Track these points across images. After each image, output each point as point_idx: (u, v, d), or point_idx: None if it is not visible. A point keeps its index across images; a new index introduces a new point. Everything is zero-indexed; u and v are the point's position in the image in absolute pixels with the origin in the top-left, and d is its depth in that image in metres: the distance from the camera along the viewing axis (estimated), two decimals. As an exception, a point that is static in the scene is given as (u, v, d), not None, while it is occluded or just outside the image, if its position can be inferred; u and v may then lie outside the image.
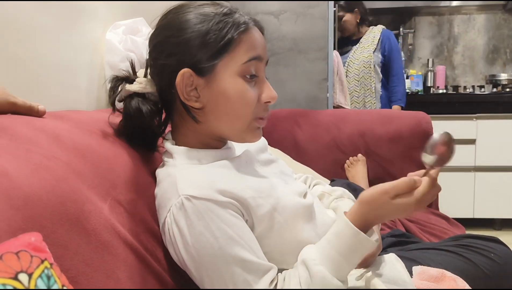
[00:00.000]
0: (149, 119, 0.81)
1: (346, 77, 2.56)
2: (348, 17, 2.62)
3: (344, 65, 2.56)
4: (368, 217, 0.71)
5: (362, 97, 2.56)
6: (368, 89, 2.55)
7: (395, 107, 2.59)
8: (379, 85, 2.59)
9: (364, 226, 0.70)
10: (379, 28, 2.63)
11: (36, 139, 0.65)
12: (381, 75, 2.59)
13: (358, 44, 2.62)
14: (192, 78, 0.74)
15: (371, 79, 2.54)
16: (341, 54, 2.61)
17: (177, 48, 0.74)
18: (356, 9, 2.62)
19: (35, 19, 0.89)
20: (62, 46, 0.99)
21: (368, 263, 0.79)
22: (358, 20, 2.64)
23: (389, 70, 2.61)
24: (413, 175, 0.70)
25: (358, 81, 2.55)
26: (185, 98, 0.75)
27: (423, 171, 0.70)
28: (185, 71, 0.73)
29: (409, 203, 0.69)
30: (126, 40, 1.14)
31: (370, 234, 0.71)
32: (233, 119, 0.77)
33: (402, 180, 0.69)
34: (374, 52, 2.56)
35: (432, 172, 0.69)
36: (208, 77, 0.74)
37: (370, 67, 2.54)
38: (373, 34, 2.61)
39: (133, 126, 0.82)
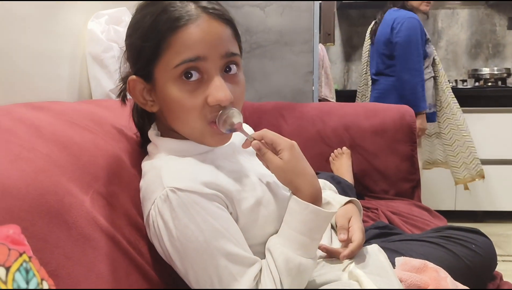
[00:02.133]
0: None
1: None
2: None
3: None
4: (296, 181, 0.71)
5: None
6: None
7: None
8: None
9: (313, 199, 0.71)
10: None
11: (16, 130, 0.63)
12: None
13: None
14: (143, 84, 0.74)
15: None
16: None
17: (128, 53, 0.76)
18: None
19: (15, 8, 0.87)
20: (43, 36, 0.97)
21: (354, 254, 0.79)
22: None
23: None
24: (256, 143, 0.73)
25: None
26: (141, 102, 0.76)
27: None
28: (132, 78, 0.74)
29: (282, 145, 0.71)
30: (108, 30, 1.12)
31: (329, 209, 0.72)
32: (182, 125, 0.74)
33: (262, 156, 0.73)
34: None
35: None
36: (152, 82, 0.74)
37: None
38: None
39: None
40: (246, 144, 0.74)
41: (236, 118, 0.72)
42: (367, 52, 2.52)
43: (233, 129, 0.72)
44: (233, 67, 0.74)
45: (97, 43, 1.11)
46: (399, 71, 2.23)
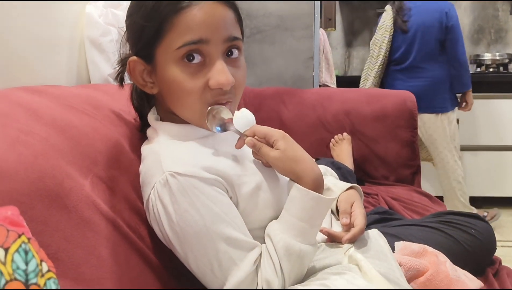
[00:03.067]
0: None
1: None
2: None
3: None
4: (297, 168, 0.71)
5: None
6: None
7: None
8: None
9: (315, 185, 0.70)
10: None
11: (13, 113, 0.63)
12: None
13: None
14: (143, 66, 0.74)
15: None
16: None
17: (129, 33, 0.75)
18: None
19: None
20: (41, 20, 0.96)
21: (356, 238, 0.80)
22: None
23: None
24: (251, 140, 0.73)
25: None
26: (141, 84, 0.75)
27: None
28: (132, 59, 0.73)
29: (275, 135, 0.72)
30: (106, 14, 1.11)
31: (329, 195, 0.72)
32: (182, 107, 0.74)
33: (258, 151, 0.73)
34: None
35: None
36: (153, 64, 0.73)
37: None
38: None
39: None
40: (239, 144, 0.73)
41: (225, 114, 0.72)
42: (389, 42, 2.36)
43: (224, 125, 0.72)
44: (235, 51, 0.73)
45: (95, 27, 1.10)
46: (461, 53, 2.29)
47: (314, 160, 0.75)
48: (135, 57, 0.73)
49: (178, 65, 0.69)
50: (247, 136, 0.72)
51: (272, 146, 0.71)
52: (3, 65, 0.83)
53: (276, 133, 0.71)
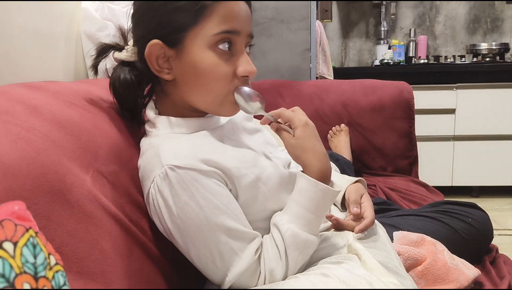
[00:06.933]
0: (133, 89, 0.80)
1: None
2: None
3: None
4: (303, 156, 0.74)
5: None
6: None
7: None
8: None
9: (321, 176, 0.73)
10: None
11: (13, 110, 0.63)
12: None
13: None
14: (164, 50, 0.72)
15: None
16: None
17: (149, 16, 0.73)
18: None
19: (7, -14, 0.86)
20: (37, 15, 0.96)
21: (367, 228, 0.81)
22: None
23: None
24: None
25: None
26: (156, 70, 0.74)
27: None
28: (154, 42, 0.71)
29: (299, 123, 0.74)
30: (103, 8, 1.11)
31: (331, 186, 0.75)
32: (204, 93, 0.74)
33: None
34: None
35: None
36: (178, 48, 0.72)
37: None
38: None
39: (120, 95, 0.82)
40: (263, 121, 0.78)
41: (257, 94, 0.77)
42: None
43: (253, 100, 0.75)
44: (248, 48, 0.78)
45: (91, 22, 1.10)
46: None
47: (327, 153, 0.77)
48: (157, 41, 0.72)
49: (212, 51, 0.71)
50: (273, 117, 0.76)
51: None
52: (0, 61, 0.83)
53: (297, 121, 0.74)
